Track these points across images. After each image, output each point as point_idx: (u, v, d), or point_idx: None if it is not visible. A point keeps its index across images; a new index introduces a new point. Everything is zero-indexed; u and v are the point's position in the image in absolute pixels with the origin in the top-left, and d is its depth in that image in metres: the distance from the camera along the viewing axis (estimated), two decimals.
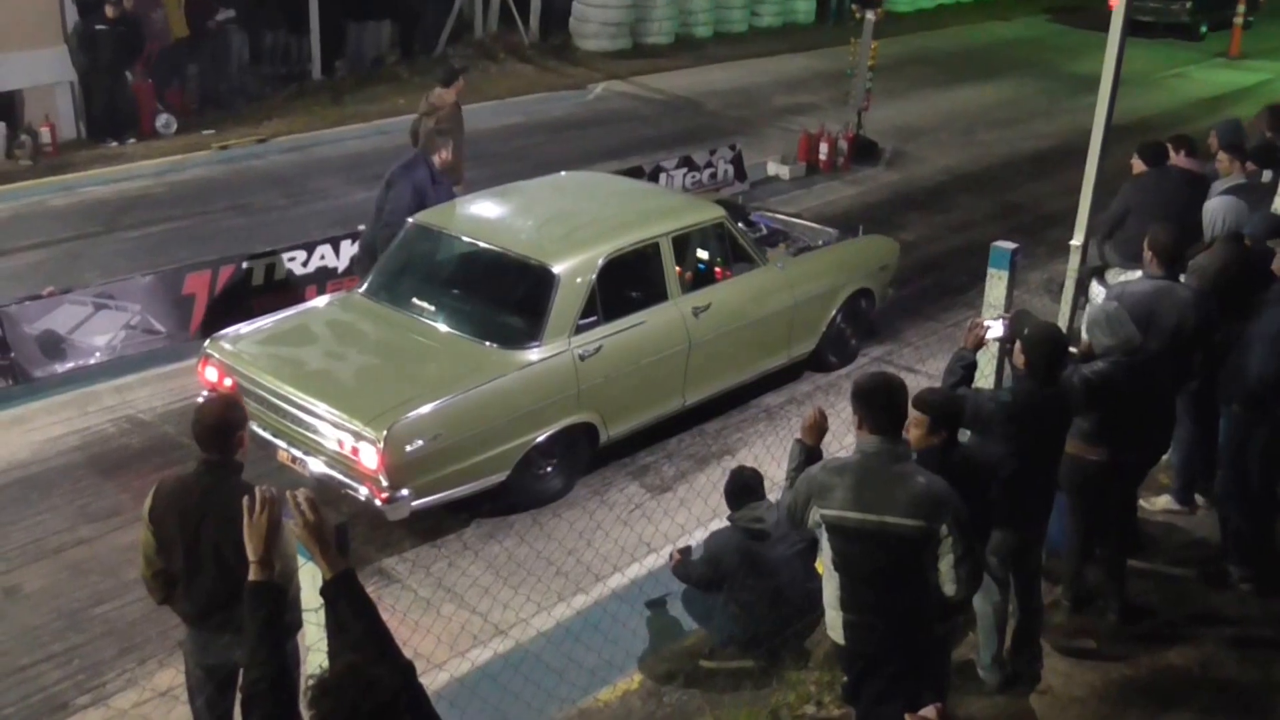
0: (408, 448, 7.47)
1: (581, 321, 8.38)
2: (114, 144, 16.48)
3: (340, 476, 7.67)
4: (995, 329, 6.38)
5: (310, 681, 3.32)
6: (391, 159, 11.08)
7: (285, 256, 11.34)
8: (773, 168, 16.31)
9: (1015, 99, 21.74)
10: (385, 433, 7.38)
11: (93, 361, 10.22)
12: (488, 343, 8.27)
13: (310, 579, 4.22)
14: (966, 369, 6.28)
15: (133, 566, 7.52)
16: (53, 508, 8.37)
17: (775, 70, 23.17)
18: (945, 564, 5.10)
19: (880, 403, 5.18)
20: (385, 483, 7.45)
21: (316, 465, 7.77)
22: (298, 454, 7.87)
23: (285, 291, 11.00)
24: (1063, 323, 8.64)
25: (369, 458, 7.44)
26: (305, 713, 3.29)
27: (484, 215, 9.36)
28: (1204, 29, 27.90)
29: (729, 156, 15.55)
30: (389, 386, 7.91)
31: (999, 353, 6.70)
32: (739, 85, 21.79)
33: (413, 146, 12.18)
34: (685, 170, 14.95)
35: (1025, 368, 6.14)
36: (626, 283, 8.80)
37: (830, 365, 10.51)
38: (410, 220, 9.31)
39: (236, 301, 10.76)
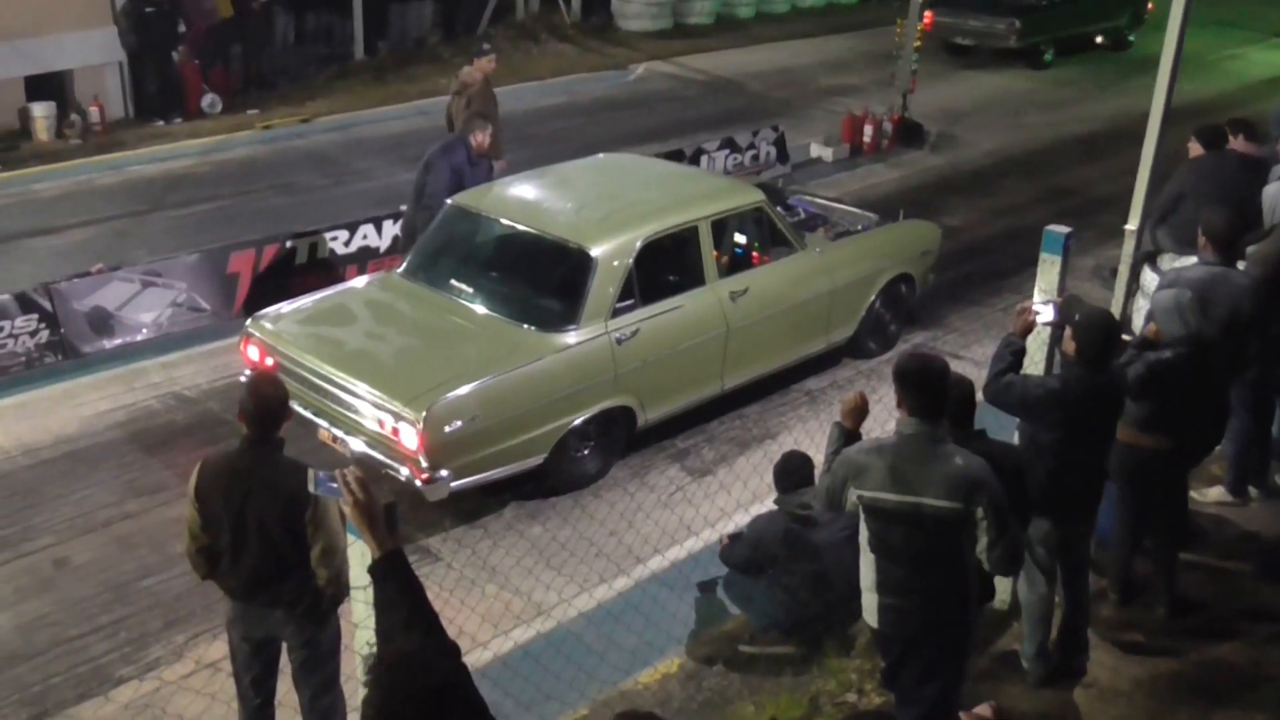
0: (446, 428, 7.47)
1: (619, 305, 8.34)
2: (161, 123, 16.59)
3: (381, 456, 7.68)
4: (1045, 314, 6.28)
5: (362, 660, 3.31)
6: (433, 139, 11.09)
7: (328, 236, 11.38)
8: (816, 150, 16.20)
9: (1064, 81, 21.48)
10: (425, 413, 7.38)
11: (139, 338, 10.32)
12: (525, 325, 8.24)
13: (359, 557, 4.24)
14: (1015, 355, 6.17)
15: (179, 541, 7.63)
16: (100, 482, 8.44)
17: (819, 51, 23.02)
18: (981, 546, 5.09)
19: (920, 384, 5.14)
20: (425, 463, 7.45)
21: (357, 445, 7.78)
22: (338, 433, 7.89)
23: (328, 271, 11.05)
24: (1115, 309, 8.55)
25: (409, 438, 7.45)
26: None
27: (522, 197, 9.31)
28: (1049, 55, 22.21)
29: (771, 138, 15.45)
30: (428, 367, 7.92)
31: (1048, 339, 6.61)
32: (782, 66, 21.66)
33: (448, 128, 12.19)
34: (727, 152, 14.86)
35: (1075, 354, 6.02)
36: (664, 266, 8.75)
37: (869, 351, 10.41)
38: (449, 201, 9.31)
39: (280, 280, 10.81)
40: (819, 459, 6.31)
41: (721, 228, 9.19)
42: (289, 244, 11.12)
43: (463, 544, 7.79)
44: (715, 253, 8.99)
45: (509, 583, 7.37)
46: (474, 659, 6.16)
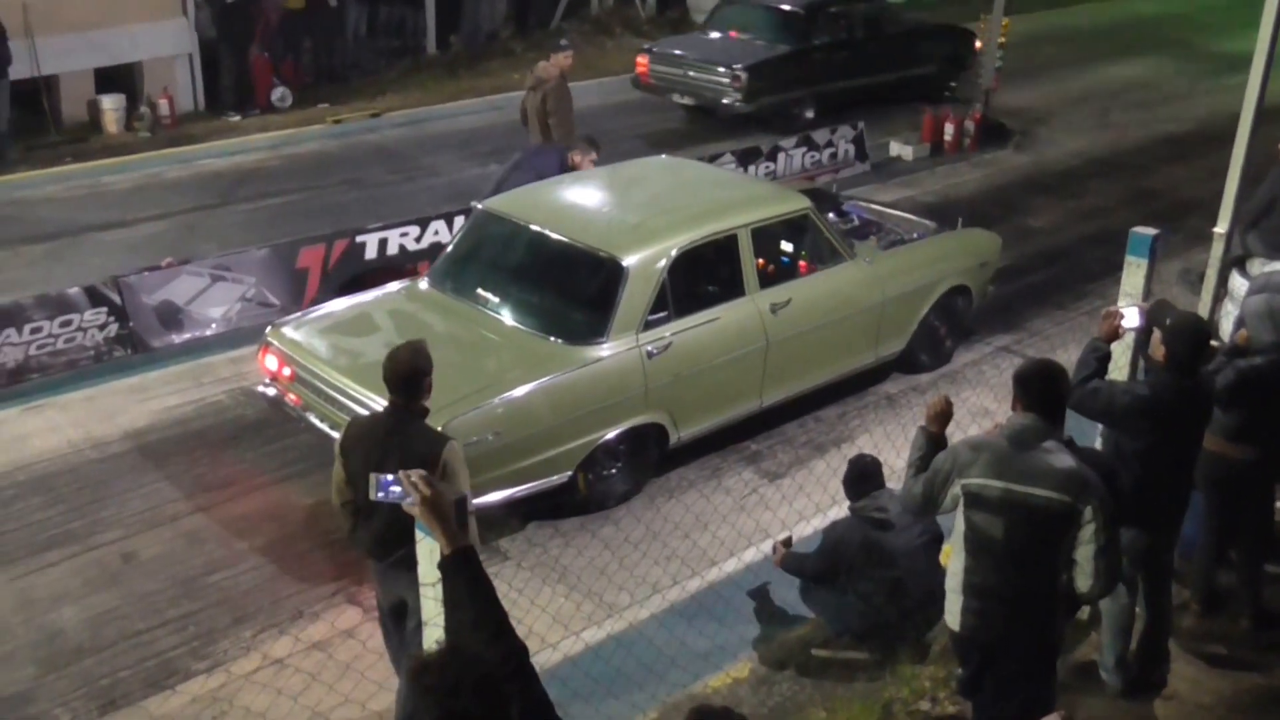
0: (465, 445, 7.22)
1: (651, 317, 8.03)
2: (235, 117, 16.73)
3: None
4: (1131, 318, 6.12)
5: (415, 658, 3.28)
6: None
7: (398, 232, 11.34)
8: (895, 148, 16.00)
9: (1153, 79, 21.04)
10: (442, 429, 7.12)
11: (209, 333, 10.35)
12: (552, 337, 7.95)
13: (428, 554, 4.24)
14: (1100, 360, 6.03)
15: (247, 536, 7.80)
16: (168, 476, 8.49)
17: None
18: (1084, 554, 5.01)
19: (1041, 386, 5.17)
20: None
21: None
22: None
23: (398, 267, 10.97)
24: (1202, 314, 8.29)
25: None
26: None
27: (555, 203, 8.99)
28: (756, 107, 16.52)
29: (850, 136, 15.25)
30: (448, 381, 7.42)
31: (1134, 344, 6.43)
32: None
33: (522, 124, 12.10)
34: (805, 150, 14.69)
35: (1165, 360, 5.89)
36: (701, 277, 8.46)
37: (922, 366, 10.04)
38: (478, 206, 9.06)
39: (349, 275, 10.78)
40: (897, 463, 6.20)
41: (763, 236, 8.75)
42: (359, 239, 11.10)
43: (533, 543, 7.75)
44: (759, 262, 8.69)
45: (580, 583, 7.30)
46: (543, 660, 6.16)
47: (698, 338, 8.24)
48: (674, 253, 8.17)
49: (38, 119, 15.49)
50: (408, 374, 5.61)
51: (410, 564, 5.26)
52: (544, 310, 8.26)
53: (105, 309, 9.87)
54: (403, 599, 5.71)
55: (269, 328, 8.47)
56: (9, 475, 8.43)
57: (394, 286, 8.98)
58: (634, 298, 7.98)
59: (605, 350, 7.86)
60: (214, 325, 10.39)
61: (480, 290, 8.49)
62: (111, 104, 15.93)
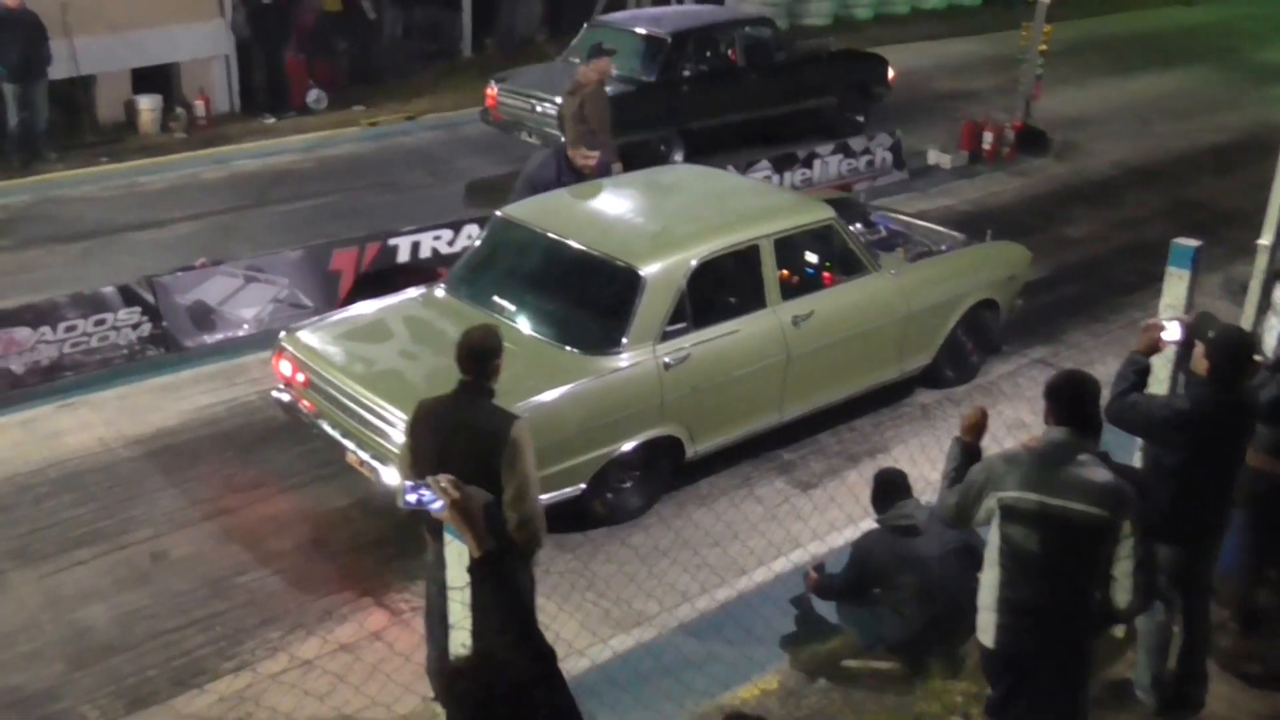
0: None
1: (669, 328, 7.92)
2: (270, 118, 16.78)
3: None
4: (1172, 331, 6.02)
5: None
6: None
7: (431, 235, 11.32)
8: (933, 156, 15.88)
9: (1196, 89, 20.79)
10: None
11: (241, 333, 10.37)
12: (567, 347, 7.82)
13: (457, 558, 4.25)
14: (1139, 374, 5.95)
15: (276, 538, 7.83)
16: (199, 476, 8.52)
17: (939, 54, 22.56)
18: (1122, 569, 4.96)
19: (1073, 399, 5.13)
20: (415, 500, 6.99)
21: (389, 475, 7.28)
22: (365, 457, 7.50)
23: (430, 270, 10.87)
24: (1245, 327, 8.17)
25: None
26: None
27: (574, 211, 8.93)
28: (678, 156, 14.68)
29: (888, 143, 15.15)
30: None
31: (1175, 357, 6.33)
32: (900, 69, 21.01)
33: (559, 129, 11.98)
34: (841, 157, 14.59)
35: (1208, 373, 5.79)
36: (721, 288, 8.34)
37: (947, 381, 9.85)
38: (497, 213, 8.95)
39: (382, 278, 10.67)
40: (931, 475, 6.13)
41: (785, 247, 8.57)
42: (392, 242, 11.11)
43: (563, 548, 7.70)
44: (782, 273, 8.55)
45: (609, 590, 7.26)
46: (570, 666, 6.14)
47: (717, 349, 8.12)
48: (694, 263, 8.06)
49: (75, 119, 15.59)
50: (481, 353, 5.75)
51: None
52: (560, 319, 8.13)
53: (139, 308, 9.92)
54: None
55: (283, 332, 8.45)
56: (42, 472, 8.48)
57: (411, 293, 8.85)
58: (652, 308, 7.87)
59: (621, 361, 7.74)
60: (246, 326, 10.41)
61: (497, 298, 8.36)
62: (148, 104, 16.02)
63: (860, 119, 16.72)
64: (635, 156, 13.02)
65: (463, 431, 5.61)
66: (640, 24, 15.48)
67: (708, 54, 15.40)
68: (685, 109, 14.86)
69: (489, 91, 15.16)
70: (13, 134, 14.48)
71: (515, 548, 5.66)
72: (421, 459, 5.71)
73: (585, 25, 16.05)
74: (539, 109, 14.26)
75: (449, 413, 5.75)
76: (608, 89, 11.85)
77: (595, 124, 11.51)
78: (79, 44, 15.04)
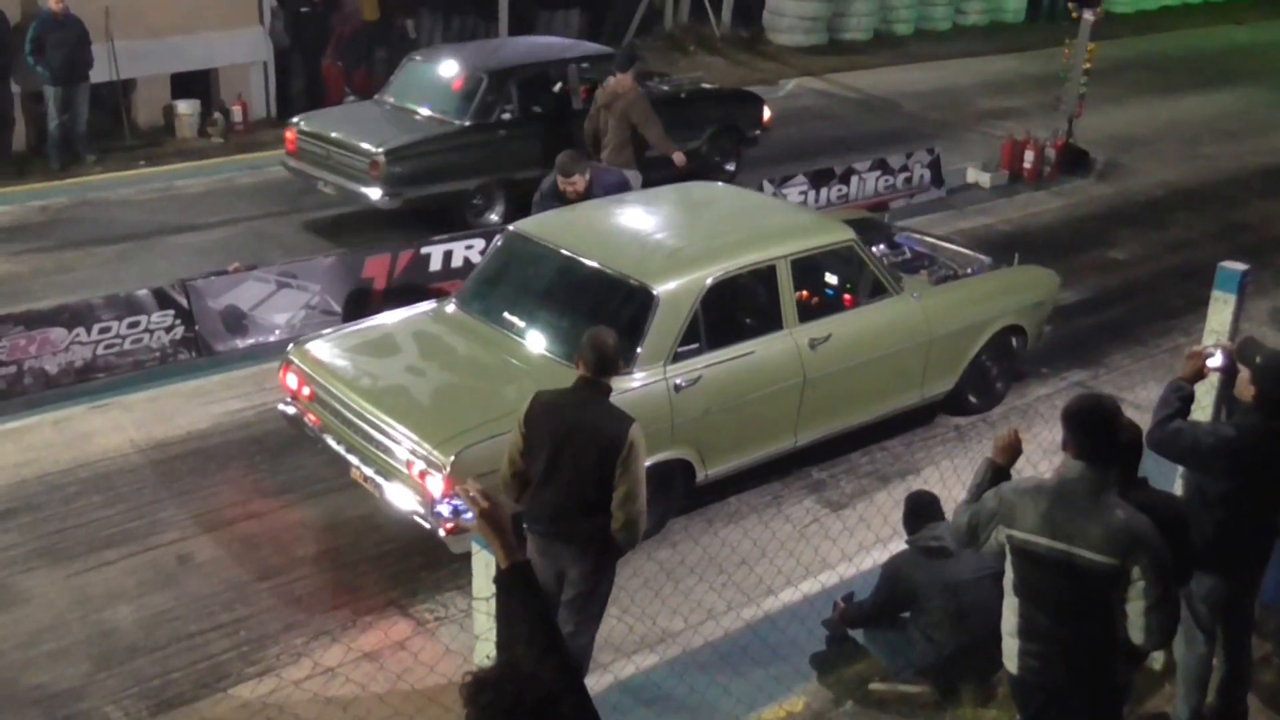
0: (476, 476, 6.75)
1: (681, 348, 7.72)
2: None
3: (413, 503, 7.19)
4: (1217, 358, 5.90)
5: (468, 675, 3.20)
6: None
7: (463, 244, 11.29)
8: (973, 174, 15.74)
9: (1246, 109, 20.58)
10: (453, 458, 6.86)
11: (272, 339, 10.35)
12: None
13: (483, 567, 4.22)
14: (1183, 400, 5.81)
15: (302, 544, 7.83)
16: (228, 480, 8.50)
17: (980, 71, 22.48)
18: (1135, 609, 4.80)
19: (1090, 426, 4.90)
20: (448, 512, 6.91)
21: (394, 492, 7.25)
22: (370, 473, 7.40)
23: (461, 278, 10.72)
24: None
25: (434, 484, 6.91)
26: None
27: (587, 227, 8.74)
28: (494, 214, 13.03)
29: (926, 161, 15.01)
30: (464, 409, 7.38)
31: (1219, 384, 6.19)
32: (940, 86, 21.17)
33: (590, 147, 11.67)
34: (879, 174, 14.47)
35: (1254, 400, 5.64)
36: (736, 308, 8.17)
37: (970, 407, 9.66)
38: (509, 228, 8.83)
39: (413, 286, 10.72)
40: (960, 496, 6.02)
41: (803, 268, 8.37)
42: (424, 250, 11.08)
43: None
44: (800, 294, 8.34)
45: (633, 605, 7.15)
46: (593, 682, 6.15)
47: (730, 371, 7.94)
48: (709, 282, 7.88)
49: (114, 122, 15.67)
50: (611, 354, 5.88)
51: (576, 538, 5.91)
52: (570, 337, 7.77)
53: (172, 311, 9.94)
54: (563, 570, 5.98)
55: (290, 345, 8.41)
56: (72, 472, 8.48)
57: (421, 307, 8.74)
58: (663, 328, 7.70)
59: (629, 381, 7.50)
60: (278, 331, 10.41)
61: (507, 314, 8.21)
62: (187, 109, 16.11)
63: (730, 167, 14.71)
64: (442, 211, 12.58)
65: (582, 429, 5.75)
66: (455, 59, 13.77)
67: (538, 94, 13.48)
68: (505, 157, 12.94)
69: (287, 135, 13.38)
70: (53, 136, 14.54)
71: (613, 546, 5.90)
72: (535, 452, 5.86)
73: (404, 59, 14.33)
74: (333, 156, 12.74)
75: (570, 410, 5.86)
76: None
77: (645, 129, 11.41)
78: (120, 48, 15.12)
